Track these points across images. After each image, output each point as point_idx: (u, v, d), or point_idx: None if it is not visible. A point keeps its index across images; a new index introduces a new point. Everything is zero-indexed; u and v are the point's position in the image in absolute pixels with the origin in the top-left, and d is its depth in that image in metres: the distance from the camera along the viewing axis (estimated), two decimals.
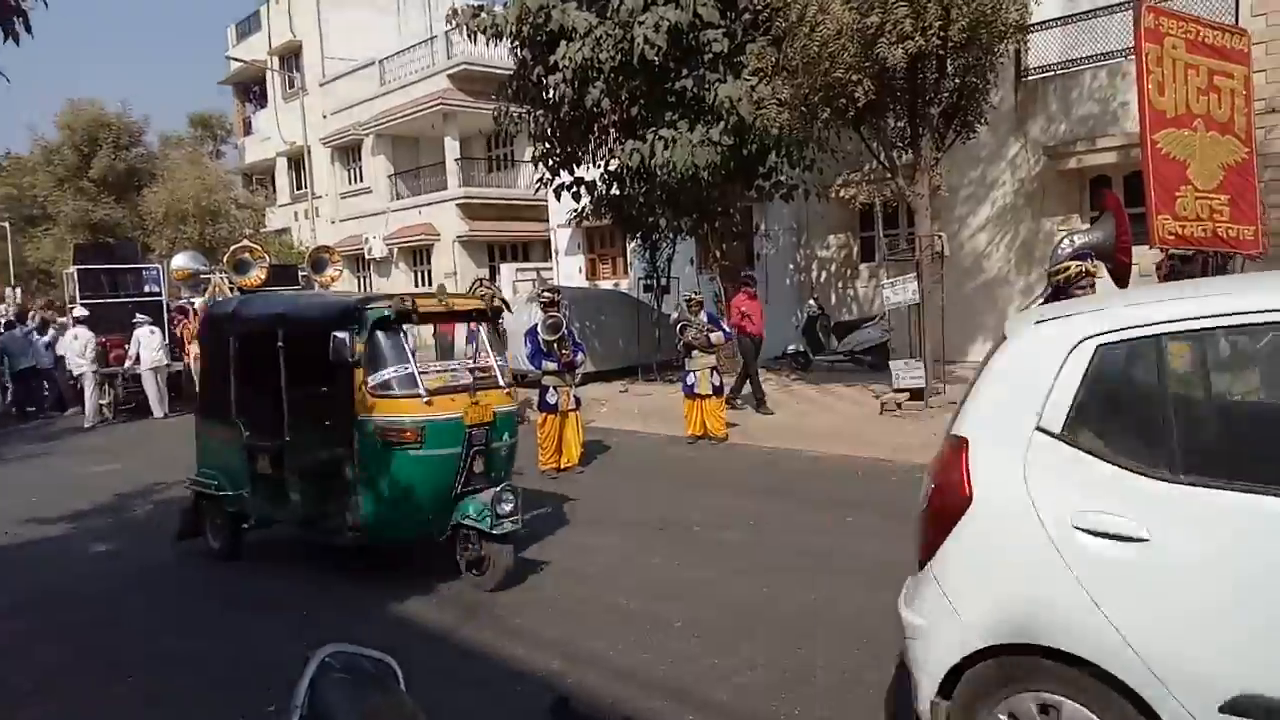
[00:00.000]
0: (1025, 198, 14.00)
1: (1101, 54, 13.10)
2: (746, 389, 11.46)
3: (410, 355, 5.53)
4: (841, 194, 14.39)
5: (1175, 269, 5.51)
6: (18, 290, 30.34)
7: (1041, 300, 5.58)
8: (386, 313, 5.51)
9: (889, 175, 11.27)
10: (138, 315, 15.33)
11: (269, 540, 7.07)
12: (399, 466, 5.38)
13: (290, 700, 2.25)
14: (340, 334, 5.28)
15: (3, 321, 17.45)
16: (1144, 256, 10.69)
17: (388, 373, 5.47)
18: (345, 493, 5.55)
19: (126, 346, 15.32)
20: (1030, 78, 13.85)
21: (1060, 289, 5.12)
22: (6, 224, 34.24)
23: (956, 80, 10.45)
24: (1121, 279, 5.46)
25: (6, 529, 7.79)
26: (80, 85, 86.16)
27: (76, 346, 14.44)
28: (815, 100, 10.43)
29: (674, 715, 3.84)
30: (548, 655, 4.53)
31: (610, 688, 4.12)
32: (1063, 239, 5.28)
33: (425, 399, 5.40)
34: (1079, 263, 5.10)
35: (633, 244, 17.49)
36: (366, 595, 5.60)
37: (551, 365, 8.85)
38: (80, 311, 15.16)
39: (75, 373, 14.55)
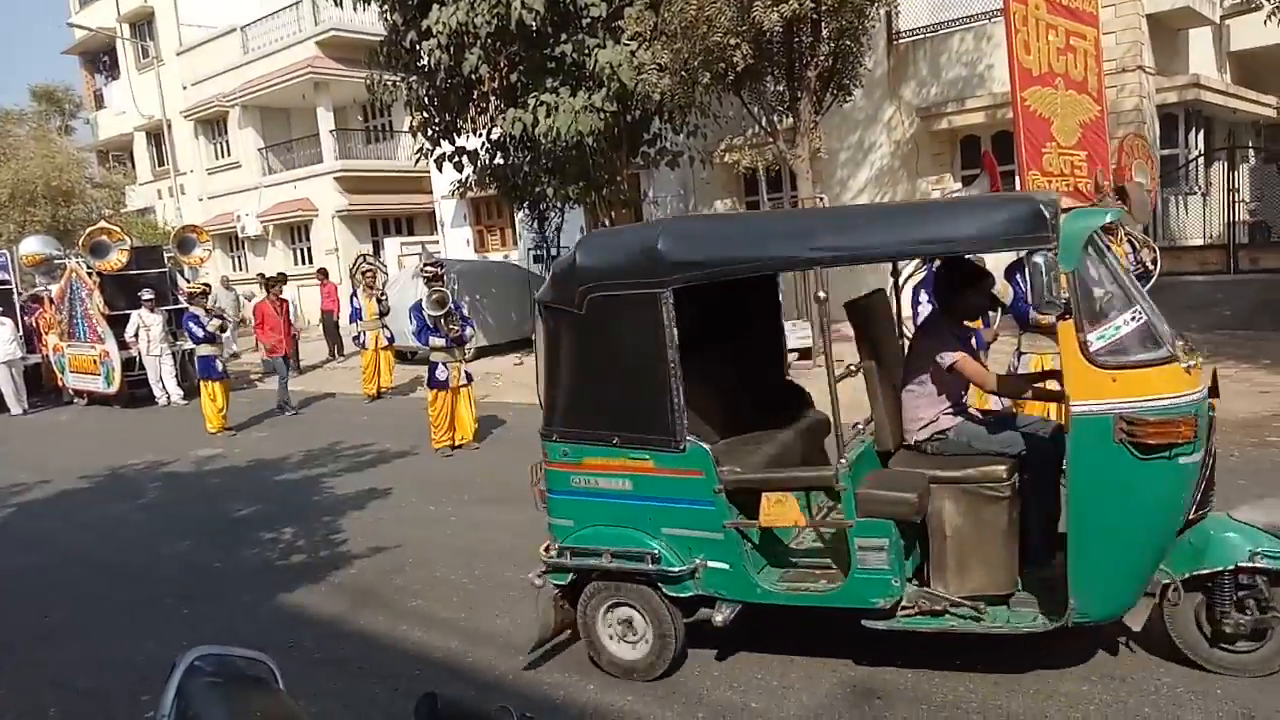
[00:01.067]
0: (901, 159, 14.44)
1: (967, 17, 13.57)
2: None
3: (1136, 291, 3.40)
4: (725, 159, 14.51)
5: None
6: None
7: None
8: (1110, 217, 3.50)
9: (770, 139, 11.42)
10: None
11: (137, 540, 6.70)
12: (1155, 486, 3.23)
13: (157, 709, 2.12)
14: (1040, 258, 3.10)
15: None
16: None
17: (1122, 325, 3.28)
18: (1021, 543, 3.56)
19: None
20: (901, 41, 14.24)
21: None
22: None
23: (831, 44, 10.62)
24: None
25: None
26: None
27: None
28: (695, 65, 10.44)
29: (577, 687, 3.83)
30: (446, 636, 4.46)
31: (510, 664, 4.07)
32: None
33: (1185, 365, 3.22)
34: None
35: (520, 214, 17.24)
36: (248, 590, 5.36)
37: (439, 341, 8.63)
38: None
39: None
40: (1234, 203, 13.40)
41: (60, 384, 15.11)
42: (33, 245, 16.20)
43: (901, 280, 6.05)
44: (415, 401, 12.50)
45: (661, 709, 3.58)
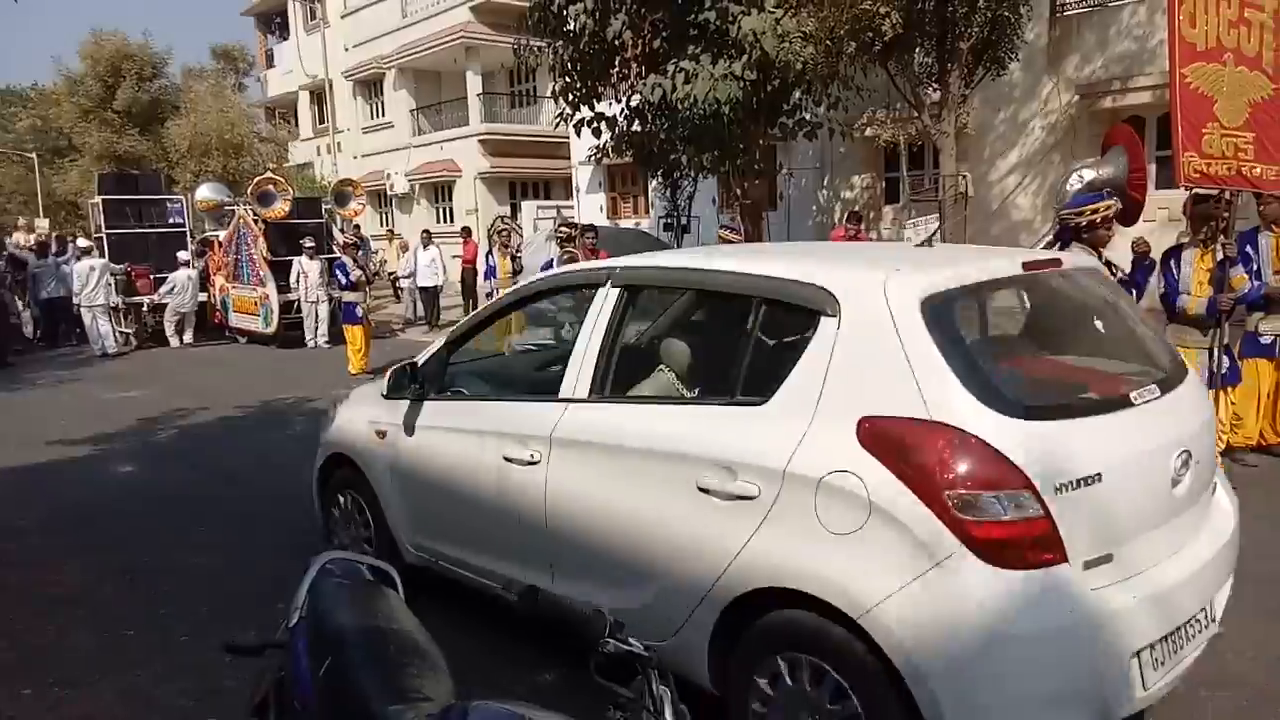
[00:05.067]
0: (1056, 139, 13.68)
1: None
2: None
3: None
4: (866, 133, 14.14)
5: (1199, 212, 5.36)
6: (47, 221, 30.62)
7: (1050, 239, 5.41)
8: None
9: (915, 113, 11.05)
10: (181, 253, 15.48)
11: (283, 465, 7.24)
12: None
13: (291, 602, 2.34)
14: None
15: (32, 250, 17.68)
16: (1172, 200, 10.49)
17: None
18: None
19: (153, 276, 15.53)
20: (1067, 13, 13.43)
21: (1083, 229, 4.89)
22: (34, 155, 34.43)
23: (988, 14, 10.16)
24: (1130, 218, 5.29)
25: (37, 450, 8.02)
26: (101, 16, 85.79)
27: (93, 278, 14.59)
28: (841, 34, 10.20)
29: None
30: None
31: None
32: (1071, 174, 5.03)
33: None
34: (1108, 202, 4.87)
35: (654, 182, 17.32)
36: None
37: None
38: (84, 243, 15.48)
39: (85, 304, 14.71)
40: None
41: (219, 321, 16.33)
42: (206, 192, 17.53)
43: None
44: None
45: None
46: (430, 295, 16.55)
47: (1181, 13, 4.80)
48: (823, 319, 2.70)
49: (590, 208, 22.03)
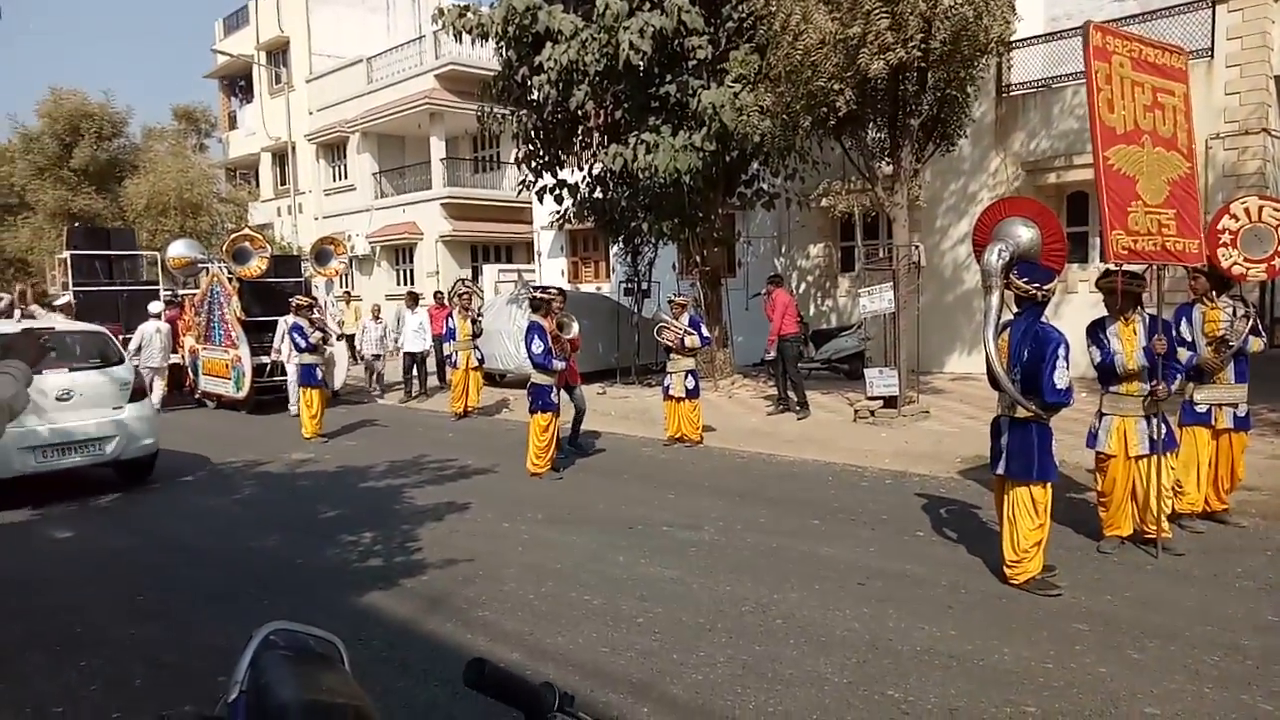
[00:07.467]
0: None
1: (1080, 72, 13.24)
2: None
3: None
4: (822, 203, 14.48)
5: (1129, 288, 5.49)
6: None
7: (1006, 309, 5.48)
8: None
9: (869, 185, 11.36)
10: (152, 305, 14.53)
11: (229, 532, 7.04)
12: None
13: (231, 676, 2.24)
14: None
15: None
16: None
17: None
18: None
19: (122, 337, 14.95)
20: (1012, 93, 14.01)
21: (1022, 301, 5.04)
22: None
23: (936, 93, 10.54)
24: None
25: None
26: (63, 75, 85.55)
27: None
28: (797, 109, 10.51)
29: (630, 707, 3.84)
30: (508, 648, 4.52)
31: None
32: (993, 248, 5.06)
33: None
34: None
35: (615, 248, 17.52)
36: (326, 587, 5.56)
37: (561, 365, 8.75)
38: (62, 299, 14.83)
39: None
40: None
41: (190, 385, 15.44)
42: (180, 249, 16.74)
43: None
44: (498, 422, 12.79)
45: None
46: (417, 361, 15.32)
47: (1100, 99, 5.02)
48: None
49: (552, 272, 22.16)
